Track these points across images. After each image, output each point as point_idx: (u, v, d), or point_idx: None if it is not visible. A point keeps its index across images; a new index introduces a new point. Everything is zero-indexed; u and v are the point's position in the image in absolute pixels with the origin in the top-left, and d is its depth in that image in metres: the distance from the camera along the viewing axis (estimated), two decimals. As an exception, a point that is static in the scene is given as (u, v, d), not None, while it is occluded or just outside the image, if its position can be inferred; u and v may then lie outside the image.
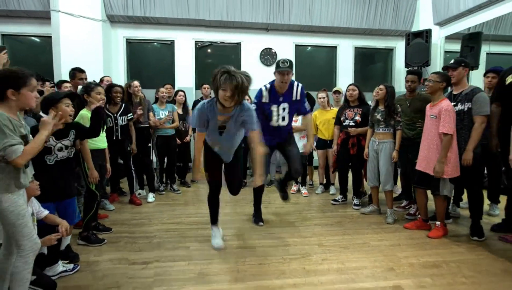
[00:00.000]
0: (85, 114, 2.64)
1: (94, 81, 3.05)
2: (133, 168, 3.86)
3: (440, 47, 6.03)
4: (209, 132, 2.33)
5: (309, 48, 6.55)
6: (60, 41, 5.02)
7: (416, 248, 2.57)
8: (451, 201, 3.44)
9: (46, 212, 2.04)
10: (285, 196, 3.18)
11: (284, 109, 2.87)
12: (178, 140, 4.45)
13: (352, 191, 3.80)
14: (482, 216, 2.83)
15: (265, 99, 2.85)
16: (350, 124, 3.57)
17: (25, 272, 1.55)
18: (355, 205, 3.68)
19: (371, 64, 6.90)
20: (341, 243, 2.66)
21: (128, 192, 3.97)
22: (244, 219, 3.26)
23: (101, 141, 2.79)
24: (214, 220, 2.67)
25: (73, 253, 2.36)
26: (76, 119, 2.65)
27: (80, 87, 2.95)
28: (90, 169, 2.61)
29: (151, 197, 3.97)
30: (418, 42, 5.67)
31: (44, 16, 5.28)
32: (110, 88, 3.60)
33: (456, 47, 5.70)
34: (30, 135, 1.68)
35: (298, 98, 2.90)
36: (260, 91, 2.89)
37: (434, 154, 2.70)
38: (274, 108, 2.84)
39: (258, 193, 3.16)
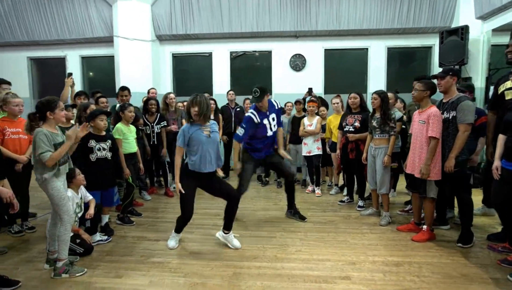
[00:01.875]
0: (119, 127, 3.46)
1: (128, 102, 3.87)
2: (167, 166, 4.66)
3: (483, 42, 5.58)
4: (196, 143, 2.71)
5: (339, 51, 6.66)
6: (120, 61, 6.15)
7: (391, 249, 2.75)
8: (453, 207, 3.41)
9: (90, 197, 2.87)
10: (301, 217, 3.52)
11: (273, 118, 3.32)
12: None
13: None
14: (472, 223, 2.83)
15: (256, 120, 3.26)
16: (350, 129, 3.77)
17: (65, 236, 2.31)
18: (359, 206, 3.87)
19: (407, 64, 6.67)
20: (322, 239, 2.97)
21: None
22: (254, 212, 3.76)
23: (131, 148, 3.58)
24: (178, 230, 2.89)
25: (110, 228, 3.17)
26: (113, 131, 3.49)
27: (117, 105, 3.79)
28: (123, 168, 3.45)
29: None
30: (453, 40, 5.38)
31: (109, 40, 6.51)
32: (147, 101, 4.47)
33: (506, 40, 5.24)
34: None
35: (279, 106, 3.45)
36: (250, 118, 3.27)
37: (421, 157, 2.82)
38: (265, 121, 3.28)
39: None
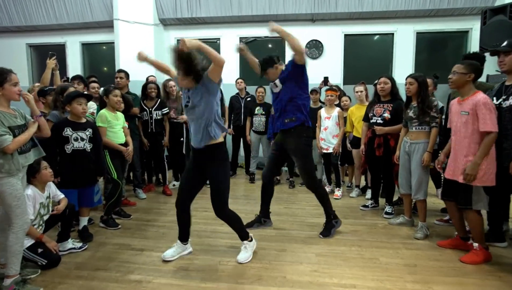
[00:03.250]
0: (102, 114, 2.94)
1: (113, 85, 3.36)
2: (165, 160, 4.15)
3: (533, 25, 4.77)
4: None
5: (361, 37, 5.97)
6: (120, 46, 5.67)
7: (436, 273, 2.12)
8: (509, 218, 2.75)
9: (61, 196, 2.36)
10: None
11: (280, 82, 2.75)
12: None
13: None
14: (543, 243, 2.17)
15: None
16: (378, 121, 3.14)
17: (16, 246, 1.81)
18: (386, 213, 3.24)
19: (438, 51, 5.91)
20: (343, 255, 2.37)
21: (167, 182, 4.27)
22: (249, 217, 3.18)
23: (118, 137, 3.06)
24: (181, 236, 2.34)
25: (88, 233, 2.67)
26: (96, 118, 2.98)
27: (101, 89, 3.30)
28: (120, 149, 2.99)
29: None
30: (499, 19, 4.60)
31: (110, 25, 6.05)
32: (145, 85, 3.98)
33: (560, 23, 4.46)
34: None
35: (289, 69, 2.70)
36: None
37: (465, 158, 2.18)
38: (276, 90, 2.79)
39: (268, 194, 2.96)
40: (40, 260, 2.08)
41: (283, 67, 2.77)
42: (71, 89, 2.81)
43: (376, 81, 4.01)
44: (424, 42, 5.78)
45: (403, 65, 5.72)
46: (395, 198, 3.41)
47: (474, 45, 5.48)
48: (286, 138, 2.73)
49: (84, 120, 2.63)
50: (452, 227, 2.87)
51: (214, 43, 6.27)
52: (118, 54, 5.70)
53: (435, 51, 5.88)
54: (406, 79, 2.85)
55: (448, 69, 5.62)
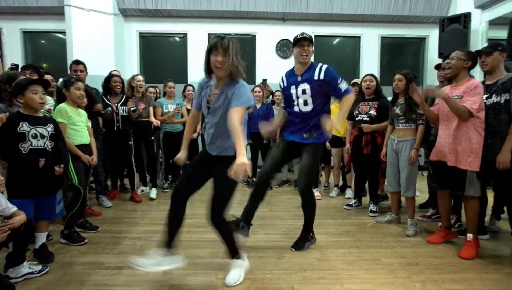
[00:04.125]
0: (61, 108, 2.49)
1: (76, 76, 2.91)
2: (134, 164, 3.70)
3: (482, 34, 5.29)
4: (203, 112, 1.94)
5: (330, 38, 6.07)
6: (73, 35, 5.02)
7: (438, 270, 2.11)
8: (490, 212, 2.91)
9: (14, 208, 1.88)
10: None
11: (304, 91, 2.31)
12: (184, 136, 4.27)
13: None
14: (527, 233, 2.30)
15: (284, 83, 2.46)
16: (364, 119, 3.13)
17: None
18: (371, 211, 3.24)
19: (399, 55, 6.27)
20: (345, 258, 2.26)
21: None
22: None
23: (82, 136, 2.62)
24: (167, 242, 1.91)
25: (47, 252, 2.20)
26: (54, 113, 2.52)
27: (60, 80, 2.82)
28: (80, 156, 2.56)
29: (153, 193, 3.82)
30: (455, 28, 5.01)
31: (60, 12, 5.34)
32: (109, 78, 3.52)
33: (502, 34, 4.98)
34: None
35: (322, 77, 2.28)
36: (282, 77, 2.52)
37: (465, 142, 2.23)
38: (292, 90, 2.37)
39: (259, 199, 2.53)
40: (-13, 294, 1.62)
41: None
42: (22, 78, 2.32)
43: (354, 81, 4.07)
44: (387, 46, 6.07)
45: (369, 67, 5.93)
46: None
47: (431, 51, 5.91)
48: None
49: (41, 114, 2.17)
50: (435, 223, 2.97)
51: (181, 38, 5.89)
52: (71, 44, 5.03)
53: (397, 55, 6.22)
54: (394, 76, 2.87)
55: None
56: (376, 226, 2.96)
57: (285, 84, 2.44)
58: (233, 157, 1.58)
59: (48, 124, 2.14)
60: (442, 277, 2.01)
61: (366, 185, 3.50)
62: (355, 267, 2.14)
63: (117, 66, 5.27)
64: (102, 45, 5.18)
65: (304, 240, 2.46)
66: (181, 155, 2.02)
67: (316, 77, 2.28)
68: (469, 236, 2.34)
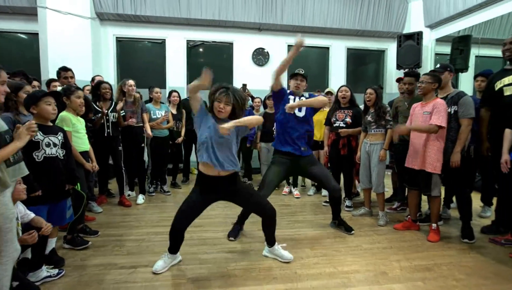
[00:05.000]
0: (65, 116, 2.57)
1: (75, 84, 2.97)
2: (123, 168, 3.77)
3: (431, 49, 6.09)
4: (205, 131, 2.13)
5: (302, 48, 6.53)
6: (48, 39, 4.89)
7: (408, 250, 2.57)
8: (441, 202, 3.48)
9: (32, 215, 1.97)
10: (347, 228, 2.96)
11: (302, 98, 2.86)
12: (170, 142, 4.39)
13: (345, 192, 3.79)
14: (472, 218, 2.84)
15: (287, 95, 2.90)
16: (341, 125, 3.56)
17: (4, 280, 1.48)
18: (346, 206, 3.67)
19: (363, 65, 6.94)
20: (333, 246, 2.63)
21: (117, 193, 3.89)
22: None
23: (83, 144, 2.71)
24: (172, 249, 2.26)
25: (58, 257, 2.28)
26: (56, 122, 2.58)
27: (59, 88, 2.87)
28: (84, 164, 2.70)
29: (140, 198, 3.89)
30: (410, 44, 5.71)
31: (31, 13, 5.15)
32: (99, 84, 3.56)
33: (447, 49, 5.78)
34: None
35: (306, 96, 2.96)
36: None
37: (431, 151, 2.72)
38: (291, 98, 2.89)
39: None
40: (18, 295, 1.71)
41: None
42: (28, 88, 2.37)
43: (327, 90, 4.53)
44: (353, 56, 6.69)
45: (337, 75, 6.50)
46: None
47: (389, 62, 6.63)
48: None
49: (51, 124, 2.25)
50: (400, 214, 3.49)
51: (159, 44, 5.96)
52: (46, 49, 4.87)
53: (361, 65, 6.87)
54: (366, 90, 3.32)
55: (369, 80, 6.69)
56: (352, 219, 3.38)
57: (286, 96, 2.89)
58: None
59: (59, 133, 2.23)
60: (412, 256, 2.46)
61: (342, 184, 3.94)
62: (342, 253, 2.51)
63: (94, 70, 5.21)
64: (78, 49, 5.09)
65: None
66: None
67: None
68: (434, 225, 2.85)
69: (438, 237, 2.79)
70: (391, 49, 6.57)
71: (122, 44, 5.90)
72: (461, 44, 5.36)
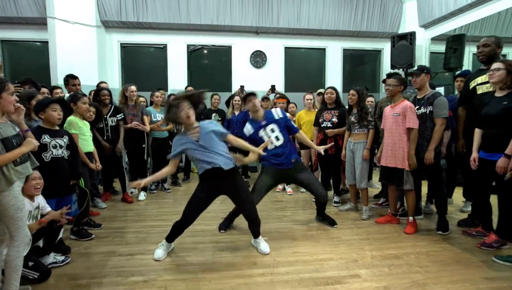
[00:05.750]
0: (72, 120, 2.86)
1: (81, 91, 3.27)
2: (125, 168, 4.06)
3: (425, 49, 6.20)
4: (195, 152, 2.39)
5: (299, 50, 6.74)
6: (56, 47, 5.23)
7: (383, 242, 2.77)
8: (425, 198, 3.65)
9: (49, 208, 2.28)
10: (331, 222, 3.17)
11: (272, 130, 2.93)
12: (170, 142, 4.67)
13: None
14: (447, 211, 3.02)
15: (248, 132, 2.97)
16: (328, 125, 3.76)
17: (17, 261, 1.75)
18: (334, 202, 3.88)
19: (360, 66, 7.08)
20: (314, 238, 2.86)
21: (121, 191, 4.19)
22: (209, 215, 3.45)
23: (88, 145, 3.01)
24: (170, 239, 2.53)
25: (65, 246, 2.57)
26: (65, 125, 2.88)
27: (67, 95, 3.17)
28: (88, 164, 2.99)
29: (142, 195, 4.18)
30: (403, 44, 5.84)
31: (41, 22, 5.50)
32: (98, 91, 3.86)
33: (441, 48, 5.89)
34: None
35: (281, 115, 2.99)
36: (246, 126, 3.03)
37: (400, 149, 2.91)
38: (262, 133, 2.93)
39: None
40: (31, 274, 2.01)
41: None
42: (39, 97, 2.67)
43: (319, 90, 4.72)
44: (349, 57, 6.85)
45: (334, 76, 6.68)
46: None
47: (385, 62, 6.76)
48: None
49: (57, 127, 2.55)
50: (385, 209, 3.67)
51: (161, 49, 6.26)
52: (55, 57, 5.23)
53: (357, 65, 7.02)
54: (349, 91, 3.52)
55: (366, 80, 6.86)
56: (338, 213, 3.59)
57: (252, 131, 2.95)
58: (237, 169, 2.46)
59: (64, 136, 2.52)
60: (385, 246, 2.66)
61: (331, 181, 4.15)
62: (321, 243, 2.74)
63: (100, 75, 5.55)
64: (85, 56, 5.43)
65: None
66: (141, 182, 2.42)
67: (277, 117, 2.98)
68: (410, 218, 3.03)
69: (414, 229, 2.98)
70: (386, 49, 6.69)
71: (127, 50, 6.22)
72: (455, 43, 5.48)
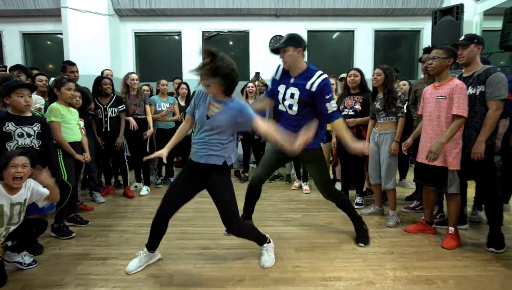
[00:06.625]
0: (53, 107, 2.59)
1: (66, 76, 3.01)
2: (126, 161, 3.81)
3: (476, 25, 5.25)
4: (197, 119, 1.93)
5: (323, 33, 6.09)
6: (69, 37, 5.15)
7: (412, 258, 2.17)
8: (472, 203, 2.94)
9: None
10: (360, 236, 2.47)
11: (292, 95, 2.22)
12: (177, 133, 4.37)
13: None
14: (502, 221, 2.33)
15: (277, 75, 2.35)
16: (349, 113, 3.17)
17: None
18: (356, 204, 3.29)
19: (394, 49, 6.25)
20: (323, 248, 2.33)
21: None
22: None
23: (74, 134, 2.73)
24: (151, 245, 2.07)
25: (37, 244, 2.31)
26: (47, 113, 2.62)
27: (52, 79, 2.92)
28: (73, 155, 2.67)
29: (144, 190, 3.91)
30: (447, 20, 4.96)
31: (57, 14, 5.46)
32: (99, 80, 3.61)
33: (496, 25, 4.94)
34: None
35: (313, 90, 2.15)
36: (278, 66, 2.39)
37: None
38: (281, 88, 2.29)
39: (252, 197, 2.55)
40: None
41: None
42: (12, 80, 2.42)
43: (342, 76, 4.10)
44: (382, 39, 6.06)
45: (363, 61, 5.93)
46: (363, 189, 3.49)
47: (425, 44, 5.85)
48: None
49: (29, 114, 2.28)
50: (419, 214, 3.01)
51: (176, 37, 5.98)
52: (68, 45, 5.16)
53: (392, 49, 6.20)
54: (374, 70, 2.90)
55: (403, 64, 5.97)
56: (359, 217, 3.01)
57: (278, 78, 2.34)
58: (220, 167, 1.83)
59: (35, 124, 2.24)
60: (414, 265, 2.06)
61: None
62: (331, 256, 2.21)
63: (113, 65, 5.39)
64: (98, 45, 5.30)
65: (363, 232, 2.47)
66: (163, 152, 2.00)
67: (308, 87, 2.16)
68: (451, 229, 2.38)
69: (455, 243, 2.33)
70: (427, 28, 5.80)
71: (141, 39, 6.02)
72: (515, 16, 4.52)
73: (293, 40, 2.22)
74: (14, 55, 5.83)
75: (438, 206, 2.91)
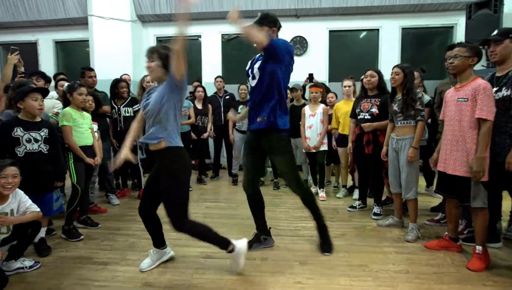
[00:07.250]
0: (66, 111, 2.66)
1: (78, 81, 3.10)
2: (140, 163, 3.85)
3: (517, 19, 4.73)
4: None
5: (346, 33, 5.83)
6: (94, 44, 5.36)
7: (429, 279, 1.93)
8: (509, 217, 2.61)
9: (36, 209, 2.09)
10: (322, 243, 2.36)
11: (258, 67, 2.19)
12: (194, 135, 4.39)
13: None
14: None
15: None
16: (366, 117, 2.96)
17: None
18: (374, 214, 3.06)
19: (424, 48, 5.82)
20: (329, 263, 2.16)
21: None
22: (231, 222, 2.95)
23: (86, 138, 2.78)
24: (154, 242, 2.12)
25: (46, 246, 2.37)
26: (59, 117, 2.70)
27: (65, 85, 3.01)
28: (84, 159, 2.71)
29: (158, 193, 3.94)
30: (484, 13, 4.52)
31: (86, 22, 5.72)
32: (116, 83, 3.70)
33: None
34: None
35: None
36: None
37: (464, 149, 2.02)
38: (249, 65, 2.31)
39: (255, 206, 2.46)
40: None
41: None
42: (32, 86, 2.53)
43: (362, 77, 3.86)
44: (410, 38, 5.68)
45: (389, 62, 5.56)
46: (383, 198, 3.24)
47: (460, 40, 5.40)
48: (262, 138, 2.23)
49: (39, 119, 2.35)
50: (444, 227, 2.72)
51: (195, 41, 6.03)
52: (93, 51, 5.38)
53: (421, 47, 5.79)
54: (392, 69, 2.68)
55: (434, 64, 5.53)
56: (376, 229, 2.78)
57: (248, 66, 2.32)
58: (167, 150, 1.84)
59: (43, 129, 2.31)
60: (431, 287, 1.84)
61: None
62: (337, 272, 2.03)
63: (135, 70, 5.54)
64: (121, 50, 5.47)
65: (325, 237, 2.36)
66: (122, 155, 1.91)
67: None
68: (478, 248, 2.09)
69: (483, 264, 2.05)
70: (461, 24, 5.33)
71: (162, 43, 6.13)
72: None
73: (265, 18, 2.38)
74: (48, 63, 6.19)
75: (466, 220, 2.61)
